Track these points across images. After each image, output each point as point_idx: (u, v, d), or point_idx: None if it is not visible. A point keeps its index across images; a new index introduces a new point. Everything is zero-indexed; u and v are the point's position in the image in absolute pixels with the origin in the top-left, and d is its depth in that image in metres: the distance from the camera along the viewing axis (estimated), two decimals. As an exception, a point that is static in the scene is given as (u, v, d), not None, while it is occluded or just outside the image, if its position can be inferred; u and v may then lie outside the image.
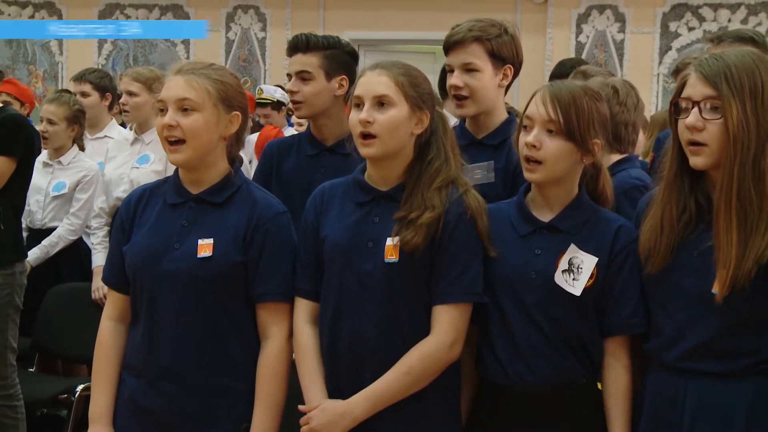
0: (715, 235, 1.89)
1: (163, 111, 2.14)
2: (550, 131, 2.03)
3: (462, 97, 2.53)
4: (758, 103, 1.85)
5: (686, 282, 1.93)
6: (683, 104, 1.93)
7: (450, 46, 2.55)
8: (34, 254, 4.14)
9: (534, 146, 2.03)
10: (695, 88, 1.90)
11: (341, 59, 2.82)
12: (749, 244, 1.85)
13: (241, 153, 2.34)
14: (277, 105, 6.41)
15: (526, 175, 2.07)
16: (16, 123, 3.41)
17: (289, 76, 2.86)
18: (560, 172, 2.05)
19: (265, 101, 6.40)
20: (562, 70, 3.66)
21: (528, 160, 2.05)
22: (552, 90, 2.05)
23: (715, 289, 1.87)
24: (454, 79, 2.53)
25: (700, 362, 1.91)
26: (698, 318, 1.91)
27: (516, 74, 2.60)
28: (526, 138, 2.05)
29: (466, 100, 2.53)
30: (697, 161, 1.91)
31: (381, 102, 2.08)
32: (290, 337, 2.19)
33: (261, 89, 6.57)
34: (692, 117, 1.89)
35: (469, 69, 2.51)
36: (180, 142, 2.12)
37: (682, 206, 1.96)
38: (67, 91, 4.81)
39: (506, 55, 2.54)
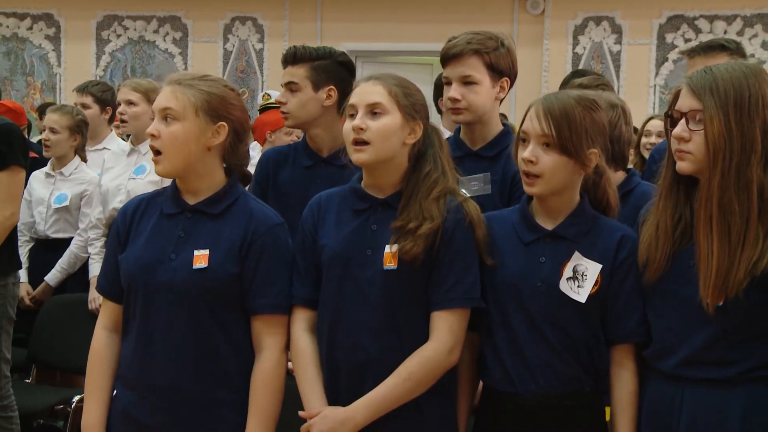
0: (696, 245, 1.90)
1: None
2: (546, 145, 2.04)
3: (459, 108, 2.54)
4: (743, 114, 1.87)
5: (681, 291, 1.94)
6: (676, 115, 1.96)
7: (448, 58, 2.56)
8: (55, 277, 4.21)
9: (531, 161, 2.04)
10: (684, 100, 1.94)
11: (330, 69, 2.82)
12: (739, 255, 1.85)
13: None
14: None
15: (526, 188, 2.08)
16: (10, 130, 3.38)
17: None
18: (559, 184, 2.06)
19: (274, 106, 6.14)
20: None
21: (526, 174, 2.06)
22: (545, 104, 2.05)
23: (703, 298, 1.88)
24: (453, 92, 2.54)
25: (696, 370, 1.92)
26: (693, 327, 1.92)
27: (511, 86, 2.61)
28: (522, 153, 2.06)
29: (462, 110, 2.54)
30: (682, 166, 1.94)
31: (374, 110, 2.10)
32: (286, 349, 2.18)
33: (268, 95, 6.05)
34: (679, 128, 1.93)
35: (467, 82, 2.53)
36: (158, 152, 2.13)
37: (677, 215, 1.98)
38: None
39: (503, 68, 2.56)
